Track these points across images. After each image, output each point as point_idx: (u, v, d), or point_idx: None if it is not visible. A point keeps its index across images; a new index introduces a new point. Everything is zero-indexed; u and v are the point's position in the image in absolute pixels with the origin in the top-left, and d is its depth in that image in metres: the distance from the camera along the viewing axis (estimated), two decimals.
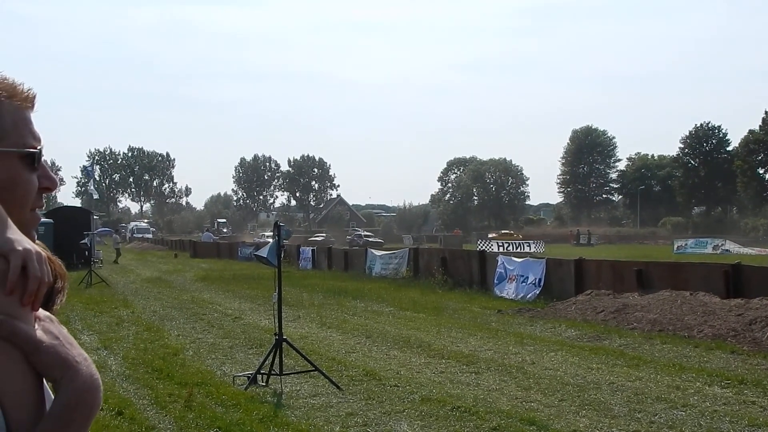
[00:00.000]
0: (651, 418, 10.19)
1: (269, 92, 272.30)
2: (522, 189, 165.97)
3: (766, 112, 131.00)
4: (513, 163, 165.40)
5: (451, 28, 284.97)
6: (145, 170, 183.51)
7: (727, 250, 78.32)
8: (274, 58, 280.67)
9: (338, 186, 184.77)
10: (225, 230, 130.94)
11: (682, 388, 12.00)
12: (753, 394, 11.60)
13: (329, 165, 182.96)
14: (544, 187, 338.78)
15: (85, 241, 36.43)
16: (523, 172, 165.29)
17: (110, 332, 18.51)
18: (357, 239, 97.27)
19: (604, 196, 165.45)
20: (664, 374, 13.17)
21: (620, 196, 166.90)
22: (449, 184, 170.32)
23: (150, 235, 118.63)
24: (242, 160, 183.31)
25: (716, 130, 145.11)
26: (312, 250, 48.31)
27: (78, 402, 1.61)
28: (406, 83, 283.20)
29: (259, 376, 12.38)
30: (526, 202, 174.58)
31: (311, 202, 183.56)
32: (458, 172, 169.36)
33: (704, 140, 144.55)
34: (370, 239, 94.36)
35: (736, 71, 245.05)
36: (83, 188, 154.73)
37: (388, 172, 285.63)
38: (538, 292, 25.81)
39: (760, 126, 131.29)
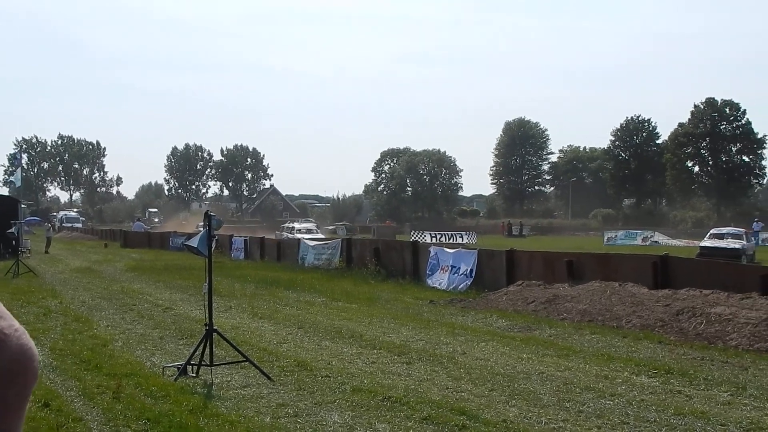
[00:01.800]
0: (579, 407, 10.28)
1: (202, 81, 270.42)
2: (455, 180, 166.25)
3: (694, 106, 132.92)
4: (447, 154, 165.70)
5: (387, 20, 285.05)
6: (75, 159, 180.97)
7: (656, 241, 79.58)
8: (208, 46, 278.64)
9: (272, 176, 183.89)
10: (156, 220, 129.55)
11: (611, 378, 12.14)
12: (679, 384, 11.76)
13: (263, 155, 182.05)
14: (477, 179, 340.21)
15: (12, 230, 35.80)
16: (457, 163, 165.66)
17: (37, 323, 18.21)
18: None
19: (536, 187, 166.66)
20: (593, 364, 13.31)
21: (552, 188, 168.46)
22: (383, 175, 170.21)
23: (80, 225, 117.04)
24: (174, 149, 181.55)
25: (646, 124, 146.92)
26: (245, 240, 48.03)
27: (6, 373, 1.58)
28: (341, 73, 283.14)
29: (189, 367, 12.27)
30: (460, 194, 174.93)
31: (244, 192, 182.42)
32: (392, 163, 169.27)
33: (634, 133, 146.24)
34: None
35: (666, 65, 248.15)
36: (10, 177, 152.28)
37: (322, 162, 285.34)
38: (470, 283, 25.95)
39: (688, 119, 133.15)
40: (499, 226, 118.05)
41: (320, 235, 58.82)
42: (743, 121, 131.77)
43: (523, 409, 10.16)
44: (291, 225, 77.69)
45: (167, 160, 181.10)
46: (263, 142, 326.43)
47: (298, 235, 57.98)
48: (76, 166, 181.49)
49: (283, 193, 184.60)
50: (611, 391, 11.16)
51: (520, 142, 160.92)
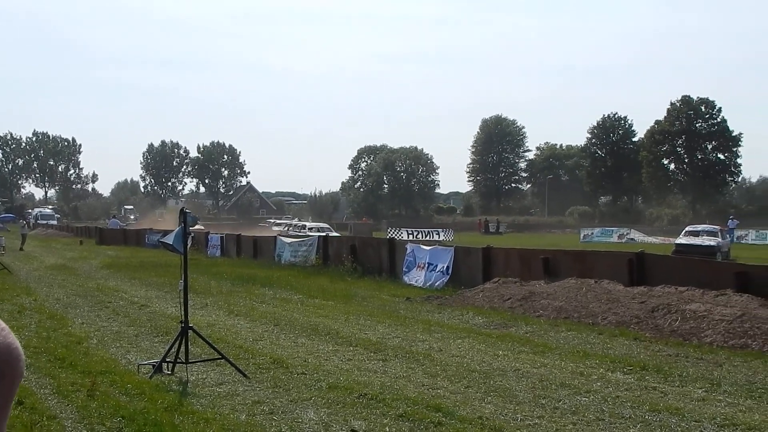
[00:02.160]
0: (555, 404, 10.31)
1: (178, 78, 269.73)
2: (432, 177, 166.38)
3: (671, 104, 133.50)
4: (424, 151, 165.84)
5: (363, 18, 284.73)
6: (50, 155, 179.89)
7: (632, 239, 79.91)
8: (183, 43, 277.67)
9: (248, 173, 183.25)
10: (132, 217, 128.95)
11: (586, 375, 12.18)
12: (654, 380, 11.82)
13: (239, 152, 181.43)
14: (454, 176, 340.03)
15: None
16: (434, 160, 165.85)
17: (11, 320, 18.04)
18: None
19: (513, 185, 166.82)
20: (569, 361, 13.36)
21: (529, 186, 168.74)
22: (360, 172, 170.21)
23: (55, 222, 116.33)
24: (150, 146, 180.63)
25: (623, 121, 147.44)
26: (221, 237, 47.90)
27: None
28: (318, 71, 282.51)
29: (164, 365, 12.22)
30: (436, 191, 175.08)
31: (221, 189, 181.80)
32: (369, 160, 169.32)
33: (611, 131, 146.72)
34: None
35: (643, 64, 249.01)
36: None
37: (299, 159, 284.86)
38: (446, 280, 25.98)
39: (665, 117, 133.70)
40: (476, 223, 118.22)
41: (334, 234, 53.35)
42: (719, 119, 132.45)
43: (499, 406, 10.18)
44: (302, 223, 74.32)
45: (143, 157, 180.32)
46: (240, 138, 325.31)
47: (312, 234, 52.73)
48: (51, 162, 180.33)
49: (260, 190, 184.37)
50: (587, 388, 11.20)
51: (497, 139, 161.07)
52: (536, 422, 9.46)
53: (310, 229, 65.50)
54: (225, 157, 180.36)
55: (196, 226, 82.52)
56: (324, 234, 47.92)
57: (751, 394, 10.92)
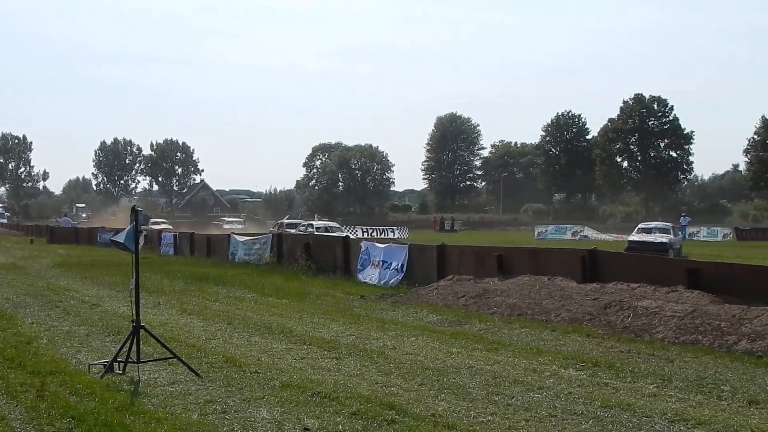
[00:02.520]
0: (508, 400, 10.33)
1: (130, 74, 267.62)
2: (387, 175, 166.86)
3: (623, 102, 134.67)
4: (379, 149, 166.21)
5: (320, 13, 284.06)
6: (0, 153, 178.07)
7: (585, 236, 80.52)
8: (135, 39, 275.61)
9: (202, 171, 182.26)
10: (84, 215, 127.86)
11: (539, 371, 12.23)
12: (606, 376, 11.88)
13: (193, 149, 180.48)
14: (409, 174, 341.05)
15: None
16: (389, 158, 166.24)
17: None
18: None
19: (468, 182, 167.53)
20: (522, 358, 13.40)
21: (484, 183, 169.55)
22: (315, 170, 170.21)
23: (5, 220, 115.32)
24: (102, 143, 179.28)
25: (576, 119, 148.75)
26: (174, 235, 47.64)
27: None
28: (273, 67, 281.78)
29: (115, 364, 12.09)
30: (391, 189, 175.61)
31: (174, 187, 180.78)
32: (324, 158, 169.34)
33: (565, 129, 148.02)
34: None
35: (596, 62, 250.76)
36: None
37: (254, 157, 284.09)
38: (401, 278, 26.01)
39: (618, 115, 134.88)
40: (431, 221, 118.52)
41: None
42: (671, 117, 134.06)
43: (452, 403, 10.18)
44: (307, 222, 65.71)
45: (95, 154, 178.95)
46: (194, 136, 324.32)
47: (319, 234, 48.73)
48: (1, 160, 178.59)
49: (214, 188, 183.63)
50: (539, 385, 11.24)
51: (452, 137, 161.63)
52: (489, 419, 9.46)
53: (317, 228, 56.53)
54: (178, 154, 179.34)
55: (163, 225, 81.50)
56: (336, 234, 49.38)
57: (702, 390, 11.01)
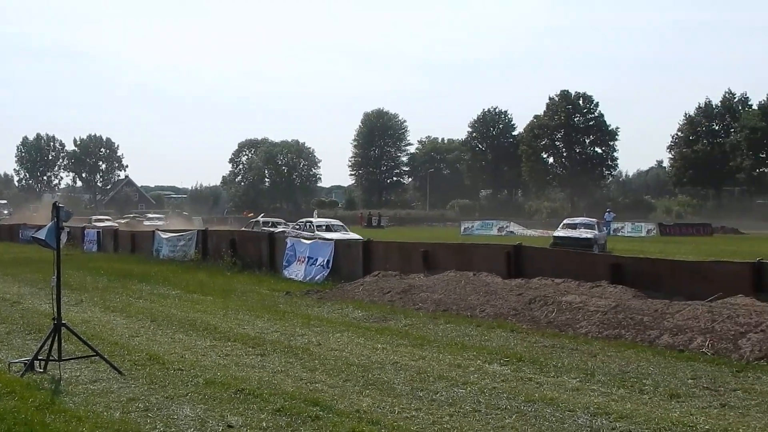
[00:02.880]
0: (432, 396, 10.36)
1: (53, 70, 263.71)
2: (314, 171, 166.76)
3: (549, 98, 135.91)
4: (306, 145, 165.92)
5: (246, 8, 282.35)
6: None
7: (511, 231, 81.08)
8: (57, 34, 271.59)
9: (126, 167, 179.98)
10: (6, 212, 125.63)
11: (463, 366, 12.28)
12: (530, 371, 11.97)
13: (117, 145, 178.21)
14: (336, 170, 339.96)
15: None
16: (316, 154, 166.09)
17: None
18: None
19: (394, 178, 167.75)
20: (447, 353, 13.44)
21: (410, 179, 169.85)
22: (241, 166, 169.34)
23: None
24: (24, 138, 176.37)
25: (503, 115, 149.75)
26: (97, 231, 47.05)
27: None
28: (199, 62, 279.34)
29: (36, 363, 11.90)
30: (318, 185, 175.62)
31: (98, 183, 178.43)
32: (250, 154, 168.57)
33: (491, 125, 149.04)
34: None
35: (523, 58, 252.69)
36: None
37: (180, 152, 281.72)
38: (326, 274, 25.98)
39: (544, 112, 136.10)
40: (357, 217, 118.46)
41: (350, 235, 41.83)
42: (596, 114, 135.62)
43: (377, 399, 10.19)
44: (305, 220, 53.22)
45: (17, 150, 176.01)
46: (118, 132, 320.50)
47: (327, 234, 41.25)
48: None
49: (139, 184, 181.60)
50: (464, 380, 11.28)
51: (379, 133, 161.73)
52: (413, 414, 9.48)
53: (319, 226, 47.26)
54: (102, 150, 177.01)
55: (107, 222, 79.65)
56: (342, 234, 42.66)
57: (624, 384, 11.14)
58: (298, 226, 49.95)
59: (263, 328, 16.31)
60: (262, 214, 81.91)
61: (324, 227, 47.15)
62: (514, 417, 9.36)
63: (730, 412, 9.70)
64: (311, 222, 49.82)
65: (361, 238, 33.28)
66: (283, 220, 66.13)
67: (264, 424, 9.04)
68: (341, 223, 50.44)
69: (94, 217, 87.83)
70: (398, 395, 10.41)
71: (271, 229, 51.04)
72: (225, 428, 8.97)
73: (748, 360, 12.75)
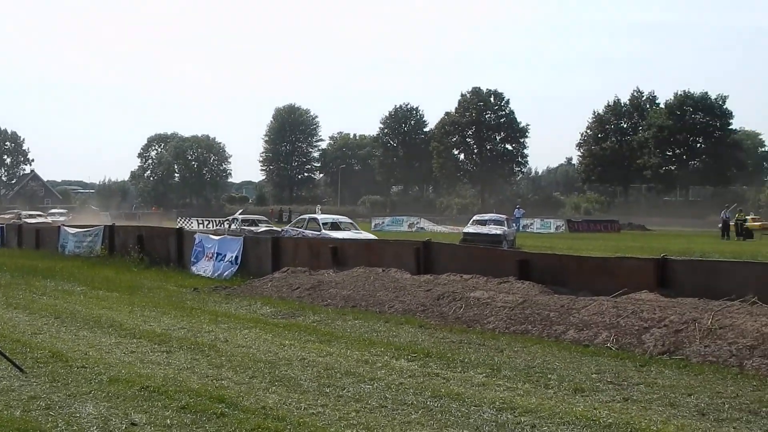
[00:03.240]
0: (339, 392, 10.33)
1: None
2: (225, 166, 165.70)
3: (461, 95, 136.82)
4: (216, 140, 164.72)
5: (154, 1, 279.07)
6: None
7: (421, 227, 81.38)
8: None
9: (32, 161, 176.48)
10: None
11: (371, 362, 12.29)
12: (437, 366, 12.01)
13: (23, 138, 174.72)
14: (247, 165, 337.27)
15: None
16: (226, 149, 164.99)
17: None
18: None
19: (306, 174, 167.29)
20: (354, 349, 13.44)
21: (322, 175, 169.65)
22: (150, 161, 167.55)
23: None
24: None
25: (415, 112, 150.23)
26: (1, 227, 46.16)
27: None
28: (104, 55, 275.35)
29: None
30: (229, 180, 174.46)
31: (3, 178, 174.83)
32: (159, 149, 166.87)
33: (403, 121, 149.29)
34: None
35: (434, 54, 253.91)
36: None
37: (87, 146, 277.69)
38: (235, 270, 25.84)
39: (455, 108, 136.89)
40: (268, 212, 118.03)
41: (363, 235, 36.96)
42: (507, 111, 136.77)
43: (283, 396, 10.13)
44: (309, 216, 46.11)
45: None
46: (24, 125, 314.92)
47: (335, 233, 36.27)
48: None
49: (45, 179, 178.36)
50: (371, 376, 11.28)
51: (291, 128, 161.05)
52: (320, 411, 9.45)
53: (324, 224, 41.01)
54: (7, 144, 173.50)
55: (61, 218, 77.06)
56: (352, 233, 37.27)
57: (530, 378, 11.24)
58: (299, 224, 42.90)
59: (170, 325, 16.14)
60: (240, 211, 76.65)
61: (329, 224, 40.97)
62: (420, 412, 9.37)
63: (633, 405, 9.83)
64: (315, 219, 42.96)
65: (375, 238, 32.35)
66: (264, 218, 61.72)
67: (168, 422, 8.94)
68: (350, 220, 44.49)
69: (51, 211, 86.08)
70: (305, 391, 10.37)
71: (252, 229, 48.39)
72: (128, 426, 8.84)
73: (651, 354, 12.96)
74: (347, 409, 9.53)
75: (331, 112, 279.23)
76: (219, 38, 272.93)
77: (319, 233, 36.51)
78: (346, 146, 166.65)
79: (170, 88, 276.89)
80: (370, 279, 20.15)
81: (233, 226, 51.02)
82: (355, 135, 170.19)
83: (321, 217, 45.19)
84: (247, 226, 50.38)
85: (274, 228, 50.36)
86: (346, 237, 32.22)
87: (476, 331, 15.27)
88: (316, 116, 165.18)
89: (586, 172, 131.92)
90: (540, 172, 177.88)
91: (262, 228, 49.45)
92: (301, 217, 47.72)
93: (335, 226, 40.42)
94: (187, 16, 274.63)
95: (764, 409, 9.61)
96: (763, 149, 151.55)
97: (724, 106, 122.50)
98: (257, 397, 10.02)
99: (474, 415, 9.28)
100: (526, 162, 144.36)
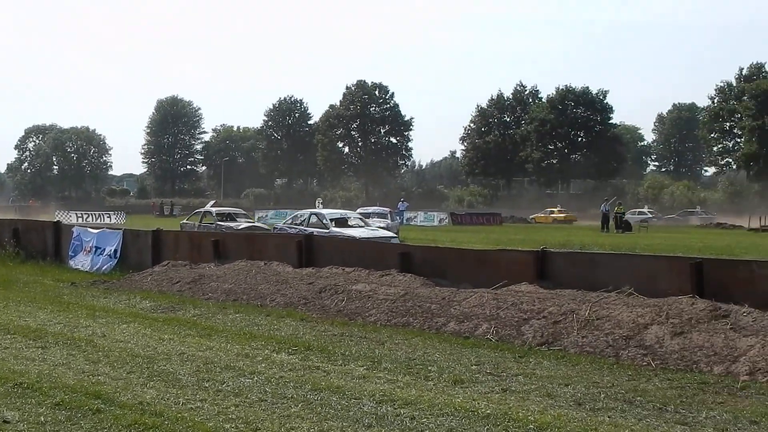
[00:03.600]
0: (218, 386, 10.24)
1: None
2: (105, 159, 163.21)
3: (346, 88, 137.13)
4: (96, 132, 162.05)
5: None
6: None
7: None
8: None
9: None
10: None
11: (251, 356, 12.21)
12: (318, 360, 12.00)
13: None
14: (128, 158, 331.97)
15: None
16: (107, 141, 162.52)
17: None
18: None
19: (188, 167, 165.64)
20: (235, 343, 13.34)
21: (205, 168, 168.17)
22: (27, 153, 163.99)
23: None
24: None
25: (299, 104, 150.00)
26: None
27: None
28: None
29: None
30: (110, 173, 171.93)
31: None
32: (37, 140, 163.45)
33: (287, 113, 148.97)
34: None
35: (319, 46, 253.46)
36: None
37: None
38: (114, 264, 25.45)
39: (340, 101, 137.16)
40: (149, 205, 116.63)
41: (380, 232, 33.32)
42: (391, 104, 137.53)
43: (161, 391, 10.00)
44: (310, 213, 37.69)
45: None
46: None
47: (348, 231, 32.37)
48: None
49: None
50: (251, 370, 11.21)
51: (173, 120, 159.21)
52: (198, 405, 9.34)
53: (219, 216, 40.54)
54: None
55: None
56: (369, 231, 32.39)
57: (410, 370, 11.29)
58: (298, 221, 36.15)
59: (45, 320, 15.81)
60: (213, 202, 66.90)
61: (336, 220, 35.12)
62: (300, 406, 9.33)
63: (511, 396, 9.94)
64: (320, 215, 36.04)
65: (395, 236, 29.78)
66: (243, 211, 53.44)
67: (42, 419, 8.75)
68: (357, 214, 39.34)
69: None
70: (183, 386, 10.25)
71: (230, 225, 40.99)
72: (0, 424, 8.62)
73: (530, 346, 13.14)
74: (226, 403, 9.45)
75: (214, 104, 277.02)
76: (99, 26, 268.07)
77: (327, 232, 31.41)
78: (229, 138, 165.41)
79: (49, 79, 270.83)
80: (252, 272, 20.05)
81: (203, 221, 43.06)
82: (238, 127, 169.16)
83: (327, 212, 37.66)
84: (223, 221, 42.69)
85: (259, 225, 45.04)
86: (361, 235, 29.20)
87: (358, 324, 15.31)
88: (199, 108, 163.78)
89: (469, 166, 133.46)
90: (424, 166, 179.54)
91: (242, 224, 42.33)
92: (298, 212, 39.77)
93: (342, 222, 35.11)
94: (67, 2, 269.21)
95: (639, 398, 9.80)
96: (642, 143, 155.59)
97: (605, 101, 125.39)
98: (135, 393, 9.87)
99: (354, 407, 9.28)
100: (411, 155, 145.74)
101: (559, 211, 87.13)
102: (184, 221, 46.85)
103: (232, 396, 9.79)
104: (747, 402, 9.63)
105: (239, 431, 8.44)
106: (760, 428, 8.53)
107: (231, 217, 44.94)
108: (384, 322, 15.41)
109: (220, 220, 42.09)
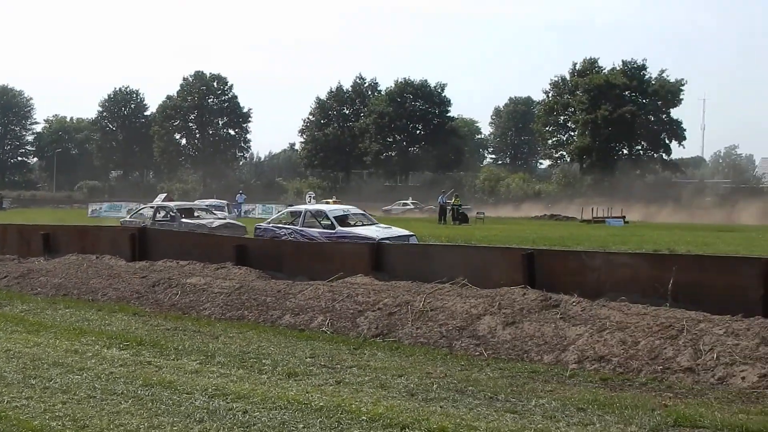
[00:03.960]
0: (45, 383, 10.01)
1: None
2: None
3: (183, 79, 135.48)
4: None
5: None
6: None
7: (141, 213, 79.90)
8: None
9: None
10: None
11: (81, 352, 11.98)
12: (150, 354, 11.86)
13: None
14: None
15: None
16: None
17: None
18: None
19: (19, 158, 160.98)
20: (64, 339, 13.08)
21: (36, 159, 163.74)
22: None
23: None
24: None
25: (135, 95, 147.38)
26: None
27: None
28: None
29: None
30: None
31: None
32: None
33: (123, 104, 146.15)
34: None
35: (158, 37, 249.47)
36: None
37: None
38: None
39: (177, 92, 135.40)
40: None
41: (394, 231, 28.51)
42: (230, 96, 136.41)
43: None
44: (313, 208, 32.14)
45: None
46: None
47: (354, 230, 27.78)
48: None
49: None
50: (80, 366, 10.99)
51: (3, 110, 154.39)
52: (24, 403, 9.12)
53: (336, 218, 28.87)
54: None
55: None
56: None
57: (244, 364, 11.25)
58: (292, 219, 30.03)
59: None
60: (164, 196, 61.63)
61: (339, 218, 28.90)
62: (130, 402, 9.19)
63: (345, 388, 10.00)
64: (323, 213, 29.55)
65: (413, 234, 26.89)
66: (222, 202, 47.69)
67: None
68: (361, 211, 32.39)
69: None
70: (9, 384, 9.98)
71: (202, 222, 35.96)
72: None
73: (365, 337, 13.25)
74: (53, 400, 9.24)
75: (47, 94, 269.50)
76: None
77: (333, 232, 27.17)
78: (62, 130, 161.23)
79: None
80: (84, 266, 19.73)
81: (159, 215, 38.61)
82: (72, 118, 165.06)
83: (329, 209, 30.39)
84: (193, 218, 37.43)
85: (238, 223, 39.31)
86: (379, 236, 25.52)
87: (192, 318, 15.23)
88: (31, 98, 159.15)
89: (308, 158, 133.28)
90: (263, 158, 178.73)
91: (218, 221, 36.85)
92: (293, 208, 33.40)
93: (344, 220, 29.32)
94: None
95: (470, 387, 9.98)
96: (479, 136, 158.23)
97: (443, 94, 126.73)
98: None
99: (185, 402, 9.18)
100: (249, 147, 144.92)
101: (413, 203, 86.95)
102: (127, 219, 41.96)
103: (59, 393, 9.58)
104: (575, 390, 9.92)
105: (66, 429, 8.27)
106: (587, 415, 8.76)
107: (191, 212, 39.61)
108: (218, 315, 15.35)
109: (187, 218, 37.03)
